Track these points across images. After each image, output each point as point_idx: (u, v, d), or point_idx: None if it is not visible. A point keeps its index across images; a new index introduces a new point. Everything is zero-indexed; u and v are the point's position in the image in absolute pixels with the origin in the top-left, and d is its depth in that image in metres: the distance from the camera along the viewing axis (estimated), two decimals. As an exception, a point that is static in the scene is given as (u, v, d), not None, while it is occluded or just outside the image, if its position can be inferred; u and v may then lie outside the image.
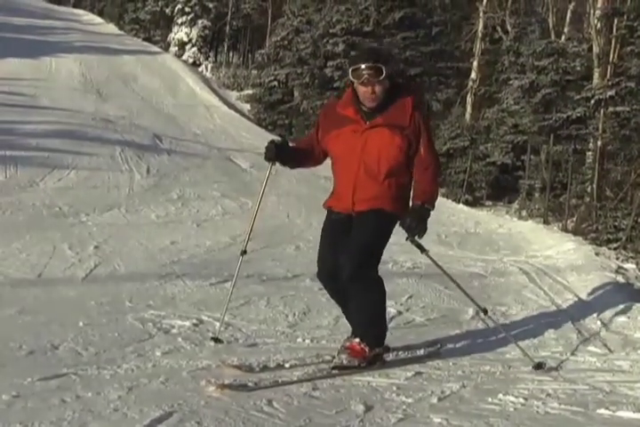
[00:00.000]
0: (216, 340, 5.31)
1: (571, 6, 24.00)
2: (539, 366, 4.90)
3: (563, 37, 23.17)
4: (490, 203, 21.41)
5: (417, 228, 4.69)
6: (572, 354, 5.50)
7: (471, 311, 6.91)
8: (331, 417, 3.77)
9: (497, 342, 5.78)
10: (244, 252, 5.25)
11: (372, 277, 4.75)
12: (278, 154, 4.93)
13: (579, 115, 19.85)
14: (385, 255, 4.93)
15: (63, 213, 11.73)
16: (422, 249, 4.89)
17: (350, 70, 4.69)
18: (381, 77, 4.64)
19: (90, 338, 5.41)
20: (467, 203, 19.82)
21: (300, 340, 5.72)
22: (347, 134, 4.81)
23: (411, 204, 4.84)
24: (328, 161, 5.09)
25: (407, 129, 4.75)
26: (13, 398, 3.80)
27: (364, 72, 4.63)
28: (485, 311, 5.26)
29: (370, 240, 4.75)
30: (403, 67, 23.44)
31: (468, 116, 25.37)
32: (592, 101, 19.13)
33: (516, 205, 20.51)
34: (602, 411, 3.99)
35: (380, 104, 4.75)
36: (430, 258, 5.01)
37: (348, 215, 4.84)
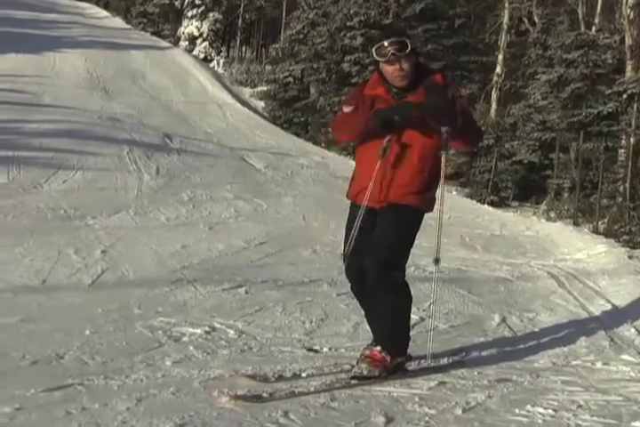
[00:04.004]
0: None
1: (602, -5, 24.45)
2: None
3: (593, 29, 23.33)
4: (516, 204, 21.27)
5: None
6: (605, 363, 5.33)
7: (497, 318, 6.83)
8: (349, 429, 3.73)
9: (524, 350, 5.71)
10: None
11: (397, 281, 4.64)
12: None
13: (610, 110, 20.00)
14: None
15: (68, 216, 11.48)
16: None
17: (374, 50, 4.64)
18: (407, 51, 4.56)
19: (96, 347, 5.34)
20: (492, 204, 19.51)
21: (317, 348, 5.58)
22: None
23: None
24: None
25: None
26: (16, 411, 3.72)
27: (388, 48, 4.56)
28: (437, 261, 4.85)
29: (395, 240, 4.65)
30: (424, 60, 23.09)
31: (492, 112, 25.50)
32: (624, 96, 18.99)
33: (543, 206, 20.37)
34: (636, 424, 3.87)
35: (410, 83, 4.65)
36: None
37: (373, 209, 4.69)
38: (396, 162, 4.62)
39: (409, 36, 4.69)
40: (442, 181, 4.71)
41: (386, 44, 4.55)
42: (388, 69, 4.60)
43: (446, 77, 4.80)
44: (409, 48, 4.55)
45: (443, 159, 4.63)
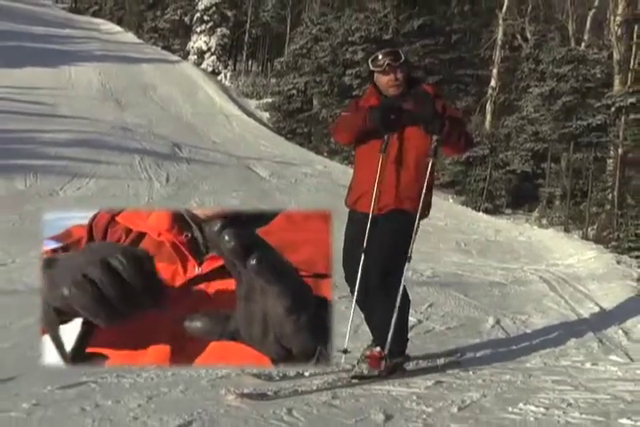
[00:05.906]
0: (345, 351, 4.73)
1: (591, 13, 24.08)
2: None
3: (583, 44, 23.34)
4: (510, 211, 21.34)
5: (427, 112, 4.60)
6: (594, 363, 5.42)
7: (491, 320, 6.91)
8: (350, 426, 3.73)
9: (517, 350, 5.76)
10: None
11: (397, 285, 4.68)
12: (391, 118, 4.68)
13: (599, 122, 19.93)
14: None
15: (83, 222, 11.56)
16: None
17: (370, 62, 4.79)
18: (401, 61, 4.74)
19: (110, 345, 5.37)
20: (486, 211, 19.63)
21: (319, 348, 5.57)
22: None
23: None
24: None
25: None
26: (33, 407, 3.80)
27: (384, 59, 4.72)
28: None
29: (394, 246, 4.71)
30: (422, 74, 23.43)
31: (487, 124, 25.40)
32: (612, 109, 19.00)
33: (536, 214, 20.49)
34: (624, 421, 3.89)
35: (402, 93, 4.77)
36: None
37: (371, 216, 4.70)
38: (392, 170, 4.67)
39: (402, 49, 4.88)
40: (425, 186, 4.71)
41: (380, 56, 4.71)
42: (383, 80, 4.75)
43: (436, 88, 4.96)
44: (403, 58, 4.73)
45: (429, 165, 4.65)
